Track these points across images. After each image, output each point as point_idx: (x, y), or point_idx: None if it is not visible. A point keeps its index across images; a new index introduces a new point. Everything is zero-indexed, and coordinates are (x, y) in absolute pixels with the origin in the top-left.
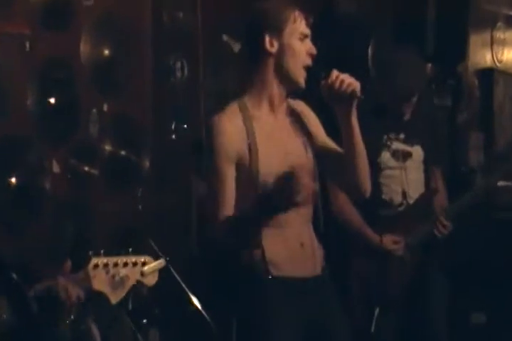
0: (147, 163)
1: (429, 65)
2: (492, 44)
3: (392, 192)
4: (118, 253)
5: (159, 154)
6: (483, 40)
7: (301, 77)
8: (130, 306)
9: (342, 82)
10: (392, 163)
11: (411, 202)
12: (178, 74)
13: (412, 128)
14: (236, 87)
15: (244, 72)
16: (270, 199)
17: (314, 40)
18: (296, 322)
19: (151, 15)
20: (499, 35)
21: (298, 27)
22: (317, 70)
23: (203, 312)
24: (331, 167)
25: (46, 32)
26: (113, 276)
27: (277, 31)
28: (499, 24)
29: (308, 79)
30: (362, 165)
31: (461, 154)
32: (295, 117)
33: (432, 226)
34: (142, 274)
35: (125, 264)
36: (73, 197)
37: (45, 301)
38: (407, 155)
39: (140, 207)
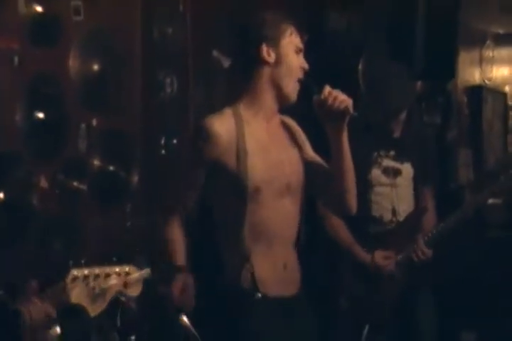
0: (136, 179)
1: (419, 82)
2: (481, 62)
3: (383, 209)
4: (100, 264)
5: (148, 170)
6: (472, 58)
7: (294, 90)
8: (118, 322)
9: (335, 98)
10: (383, 180)
11: (401, 219)
12: (168, 89)
13: (402, 145)
14: (225, 102)
15: (237, 82)
16: None
17: (306, 56)
18: None
19: (140, 31)
20: (488, 53)
21: (294, 40)
22: (309, 86)
23: (192, 329)
24: (318, 182)
25: (35, 47)
26: (93, 288)
27: (275, 42)
28: (488, 42)
29: (300, 95)
30: (349, 182)
31: (450, 171)
32: (287, 130)
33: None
34: (125, 285)
35: (107, 275)
36: (61, 212)
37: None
38: (397, 173)
39: (129, 223)
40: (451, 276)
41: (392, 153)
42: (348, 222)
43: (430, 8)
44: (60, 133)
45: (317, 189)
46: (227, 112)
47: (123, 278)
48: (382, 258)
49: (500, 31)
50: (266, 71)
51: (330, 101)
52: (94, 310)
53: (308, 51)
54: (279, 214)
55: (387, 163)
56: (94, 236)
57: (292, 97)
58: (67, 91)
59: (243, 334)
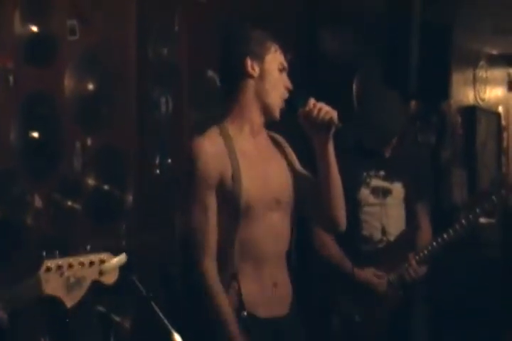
0: (131, 198)
1: (413, 102)
2: (474, 82)
3: (372, 228)
4: (74, 253)
5: (143, 189)
6: (465, 79)
7: (278, 105)
8: None
9: (320, 110)
10: (372, 199)
11: (391, 238)
12: (163, 109)
13: (392, 165)
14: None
15: (223, 97)
16: None
17: (297, 75)
18: None
19: (135, 51)
20: (481, 73)
21: (278, 57)
22: (294, 99)
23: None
24: (307, 197)
25: (30, 66)
26: (68, 278)
27: (259, 57)
28: (481, 63)
29: (286, 110)
30: (337, 196)
31: (444, 191)
32: (275, 144)
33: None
34: (101, 273)
35: (81, 264)
36: (55, 232)
37: None
38: (387, 192)
39: (123, 242)
40: (444, 295)
41: (382, 173)
42: (339, 240)
43: (424, 28)
44: (55, 152)
45: (305, 204)
46: (215, 131)
47: (97, 266)
48: (374, 276)
49: (494, 52)
50: (250, 84)
51: (315, 112)
52: (70, 301)
53: (299, 70)
54: (268, 229)
55: (377, 182)
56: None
57: (276, 112)
58: (62, 110)
59: None
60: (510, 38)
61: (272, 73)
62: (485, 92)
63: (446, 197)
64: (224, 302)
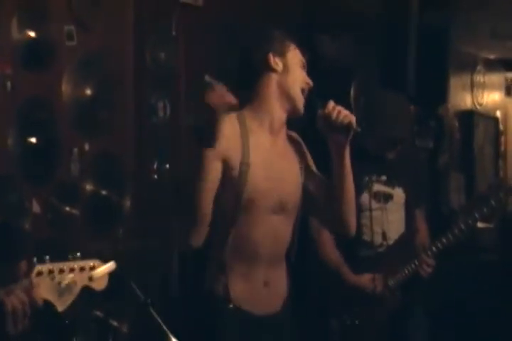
0: (128, 203)
1: (411, 107)
2: (472, 87)
3: (373, 233)
4: (65, 259)
5: (141, 194)
6: (463, 83)
7: (300, 102)
8: None
9: (339, 112)
10: (373, 204)
11: (390, 242)
12: (161, 113)
13: (394, 170)
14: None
15: (240, 92)
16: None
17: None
18: None
19: (133, 56)
20: (479, 78)
21: (298, 54)
22: (313, 101)
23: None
24: (319, 200)
25: (28, 72)
26: (59, 283)
27: (281, 53)
28: (479, 67)
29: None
30: (350, 201)
31: (442, 195)
32: (294, 145)
33: (412, 267)
34: (91, 279)
35: (71, 270)
36: (53, 237)
37: None
38: (388, 197)
39: (121, 247)
40: (442, 299)
41: (383, 177)
42: (339, 246)
43: (422, 33)
44: (53, 158)
45: (317, 207)
46: (233, 116)
47: (88, 272)
48: (369, 281)
49: (491, 56)
50: (273, 78)
51: (334, 115)
52: (61, 305)
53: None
54: (267, 232)
55: (378, 187)
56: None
57: (300, 105)
58: (59, 115)
59: None
60: (507, 42)
61: (294, 68)
62: (482, 97)
63: (443, 201)
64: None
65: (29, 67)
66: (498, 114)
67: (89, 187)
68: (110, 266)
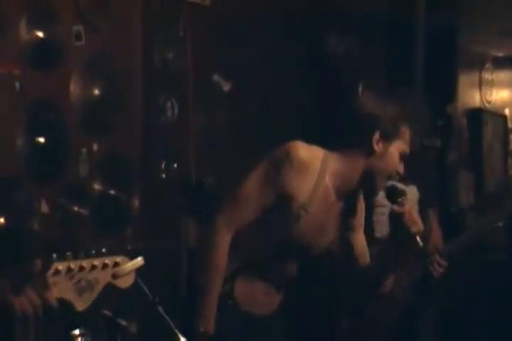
0: (137, 203)
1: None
2: (481, 85)
3: (386, 229)
4: (88, 255)
5: (149, 194)
6: (471, 81)
7: (379, 190)
8: None
9: (411, 218)
10: (385, 201)
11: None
12: (169, 113)
13: (407, 167)
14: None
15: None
16: None
17: (302, 79)
18: None
19: (141, 56)
20: (487, 76)
21: (404, 144)
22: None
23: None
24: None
25: (36, 72)
26: (79, 281)
27: (387, 137)
28: (487, 65)
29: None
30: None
31: (451, 194)
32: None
33: (425, 267)
34: (114, 276)
35: (93, 267)
36: (62, 237)
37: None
38: (402, 194)
39: (129, 246)
40: (452, 299)
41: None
42: None
43: (430, 31)
44: (61, 158)
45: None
46: (319, 150)
47: (111, 269)
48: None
49: (500, 54)
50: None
51: (406, 217)
52: (81, 304)
53: (304, 73)
54: None
55: (392, 184)
56: None
57: (376, 193)
58: (68, 116)
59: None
60: None
61: (393, 157)
62: (491, 95)
63: (452, 199)
64: (217, 263)
65: (37, 67)
66: (507, 111)
67: (97, 187)
68: (137, 262)
